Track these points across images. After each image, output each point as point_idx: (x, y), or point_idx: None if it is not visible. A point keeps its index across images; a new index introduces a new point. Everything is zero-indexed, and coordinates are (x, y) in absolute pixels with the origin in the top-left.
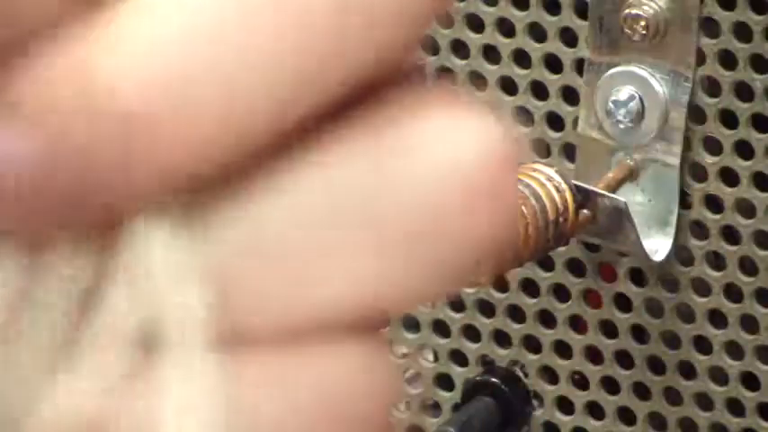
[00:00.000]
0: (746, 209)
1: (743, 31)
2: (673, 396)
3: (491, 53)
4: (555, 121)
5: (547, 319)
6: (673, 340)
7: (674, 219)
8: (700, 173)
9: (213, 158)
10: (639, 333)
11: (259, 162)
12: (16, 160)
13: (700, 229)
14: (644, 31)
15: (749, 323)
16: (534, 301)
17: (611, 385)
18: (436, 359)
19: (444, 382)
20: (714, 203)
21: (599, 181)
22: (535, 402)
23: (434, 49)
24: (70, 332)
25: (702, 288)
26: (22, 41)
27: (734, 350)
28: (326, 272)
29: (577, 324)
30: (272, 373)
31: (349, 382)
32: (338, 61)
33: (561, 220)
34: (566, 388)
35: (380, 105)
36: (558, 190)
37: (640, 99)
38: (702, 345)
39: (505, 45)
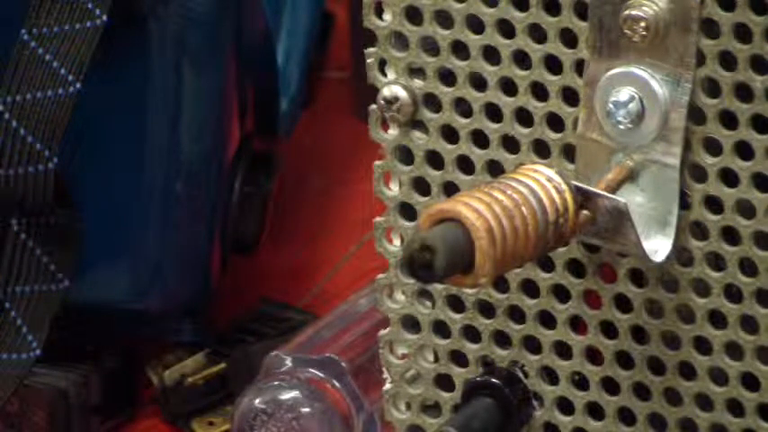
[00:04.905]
0: (746, 209)
1: (743, 32)
2: (673, 396)
3: (491, 54)
4: (555, 122)
5: (547, 319)
6: (673, 340)
7: (673, 219)
8: (700, 173)
9: None
10: (639, 333)
11: None
12: None
13: (700, 230)
14: (644, 33)
15: (749, 323)
16: (534, 301)
17: (611, 385)
18: (436, 359)
19: (444, 382)
20: (714, 204)
21: (599, 182)
22: (535, 402)
23: (435, 50)
24: None
25: (702, 288)
26: None
27: (734, 350)
28: None
29: (577, 324)
30: None
31: None
32: None
33: (561, 220)
34: (566, 388)
35: None
36: (558, 191)
37: (640, 100)
38: (702, 345)
39: (506, 46)
